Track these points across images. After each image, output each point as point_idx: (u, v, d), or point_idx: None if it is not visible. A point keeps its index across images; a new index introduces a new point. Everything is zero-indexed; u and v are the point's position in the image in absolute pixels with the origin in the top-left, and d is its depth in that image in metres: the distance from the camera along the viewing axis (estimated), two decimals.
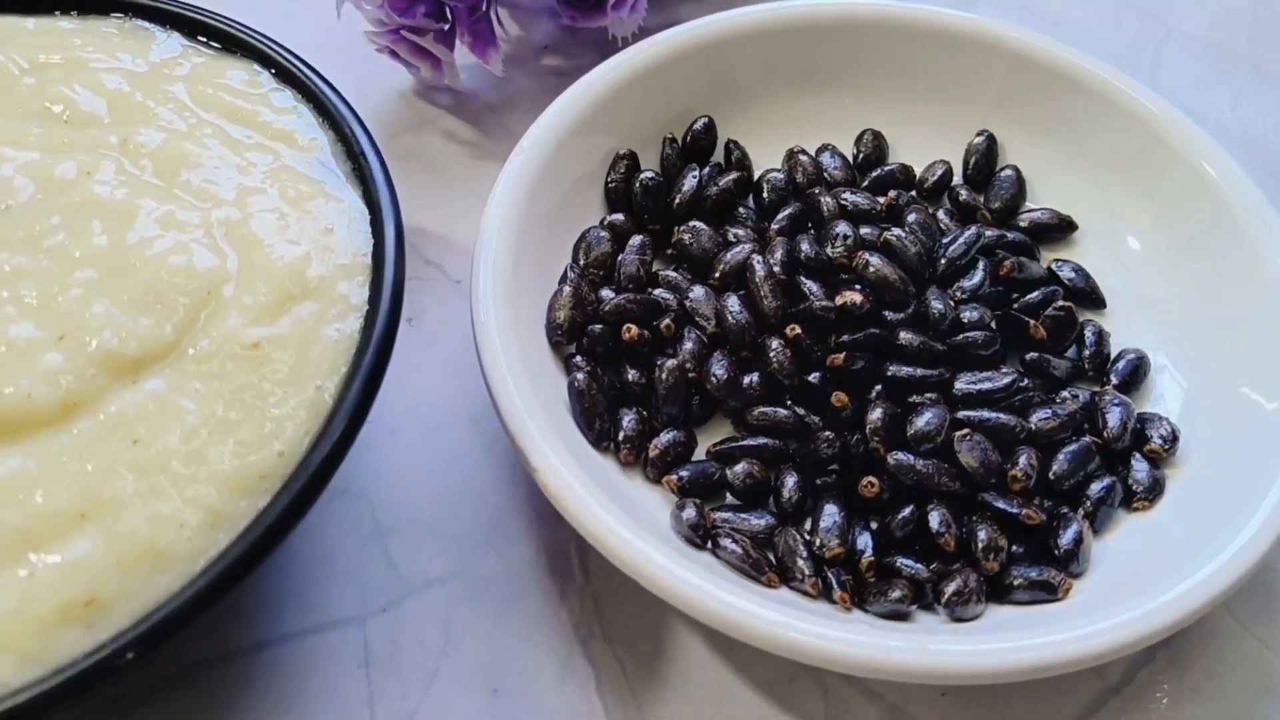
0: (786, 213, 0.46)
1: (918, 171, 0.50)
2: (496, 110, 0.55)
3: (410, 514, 0.41)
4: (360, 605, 0.38)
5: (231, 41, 0.41)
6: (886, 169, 0.49)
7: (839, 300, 0.41)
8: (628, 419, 0.40)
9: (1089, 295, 0.45)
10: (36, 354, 0.30)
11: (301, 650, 0.37)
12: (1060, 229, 0.48)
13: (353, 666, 0.37)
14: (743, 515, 0.38)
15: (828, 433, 0.39)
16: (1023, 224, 0.48)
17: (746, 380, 0.41)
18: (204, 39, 0.41)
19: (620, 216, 0.46)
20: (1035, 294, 0.44)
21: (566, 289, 0.42)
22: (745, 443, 0.40)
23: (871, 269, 0.42)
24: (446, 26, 0.52)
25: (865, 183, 0.49)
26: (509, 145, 0.44)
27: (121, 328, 0.31)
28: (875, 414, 0.39)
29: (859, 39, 0.50)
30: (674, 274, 0.44)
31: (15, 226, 0.33)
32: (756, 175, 0.48)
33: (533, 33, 0.59)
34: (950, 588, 0.36)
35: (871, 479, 0.38)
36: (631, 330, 0.41)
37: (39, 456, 0.29)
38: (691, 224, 0.45)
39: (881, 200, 0.47)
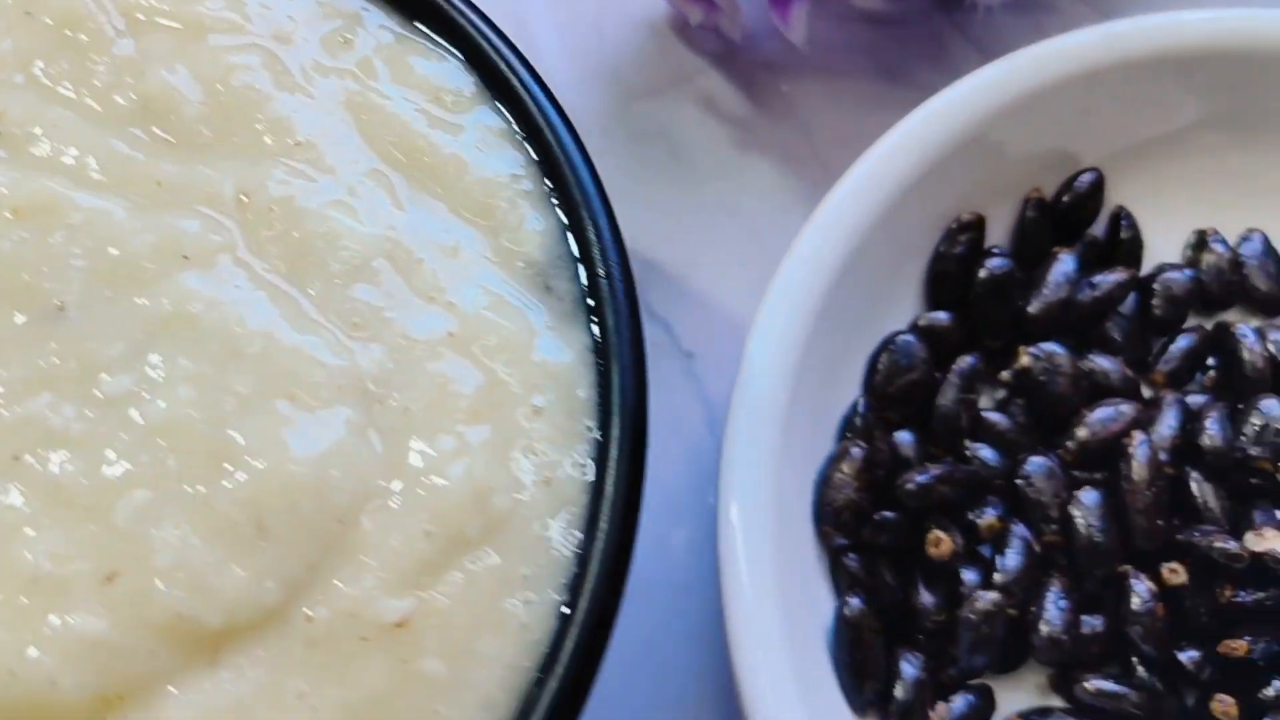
0: (1183, 344, 0.32)
1: None
2: (776, 71, 0.39)
3: None
4: None
5: None
6: None
7: (1257, 545, 0.28)
8: (909, 673, 0.27)
9: None
10: (72, 606, 0.19)
11: None
12: None
13: None
14: None
15: None
16: None
17: (1087, 627, 0.28)
18: None
19: (943, 317, 0.32)
20: None
21: (854, 454, 0.29)
22: None
23: None
24: None
25: None
26: (788, 128, 0.33)
27: (202, 575, 0.20)
28: None
29: None
30: (1002, 420, 0.31)
31: (70, 347, 0.21)
32: (1145, 269, 0.33)
33: None
34: None
35: None
36: (942, 544, 0.28)
37: None
38: (1047, 348, 0.31)
39: None
